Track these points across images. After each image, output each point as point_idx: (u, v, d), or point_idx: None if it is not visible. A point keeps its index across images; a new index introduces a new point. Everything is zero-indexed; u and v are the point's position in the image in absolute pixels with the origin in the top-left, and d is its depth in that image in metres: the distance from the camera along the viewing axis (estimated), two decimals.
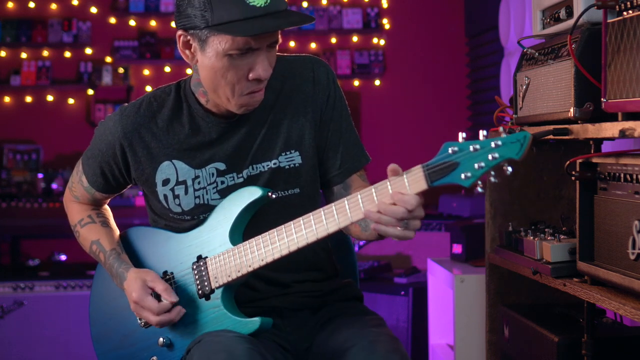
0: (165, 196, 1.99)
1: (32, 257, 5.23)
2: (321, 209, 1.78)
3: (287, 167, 1.97)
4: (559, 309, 2.55)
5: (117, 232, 2.12)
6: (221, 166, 1.97)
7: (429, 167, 1.63)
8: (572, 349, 2.22)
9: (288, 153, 1.97)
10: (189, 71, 6.73)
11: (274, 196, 1.92)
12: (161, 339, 1.96)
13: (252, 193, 1.91)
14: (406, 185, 1.66)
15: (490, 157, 1.57)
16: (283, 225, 1.83)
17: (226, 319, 1.90)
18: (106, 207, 2.20)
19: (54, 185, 5.53)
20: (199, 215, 1.98)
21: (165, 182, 1.98)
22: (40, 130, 5.94)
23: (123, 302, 2.03)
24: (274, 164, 1.96)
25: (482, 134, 1.60)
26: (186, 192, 1.97)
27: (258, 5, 1.78)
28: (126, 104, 2.04)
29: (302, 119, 1.98)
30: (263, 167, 1.96)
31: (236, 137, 1.96)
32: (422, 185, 1.64)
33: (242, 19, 1.78)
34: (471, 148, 1.59)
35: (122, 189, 2.12)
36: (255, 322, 1.88)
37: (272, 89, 1.98)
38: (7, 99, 5.94)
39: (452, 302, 3.40)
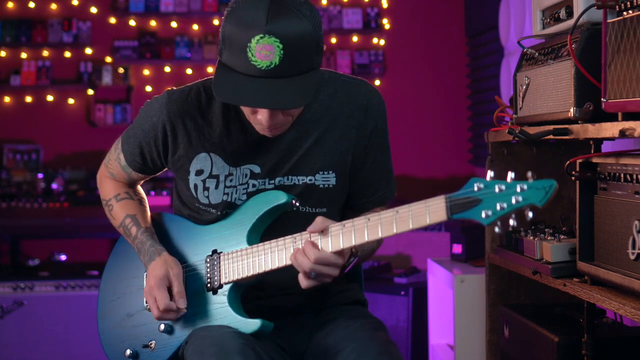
0: (196, 185, 1.99)
1: (32, 257, 5.23)
2: (341, 223, 1.79)
3: (321, 185, 1.97)
4: (559, 309, 2.54)
5: (149, 213, 2.13)
6: (256, 169, 1.97)
7: (452, 199, 1.63)
8: (572, 349, 2.22)
9: (325, 173, 1.97)
10: (189, 71, 6.70)
11: (297, 204, 1.94)
12: (162, 325, 1.98)
13: (277, 198, 1.93)
14: (426, 213, 1.67)
15: (513, 200, 1.57)
16: (300, 233, 1.84)
17: (228, 316, 1.91)
18: (140, 188, 2.20)
19: (54, 185, 5.53)
20: (223, 210, 1.99)
21: (199, 172, 1.99)
22: (40, 130, 5.94)
23: (135, 283, 2.05)
24: (310, 180, 1.97)
25: (510, 176, 1.60)
26: (217, 187, 1.98)
27: (258, 67, 1.74)
28: (174, 87, 2.03)
29: (346, 143, 1.98)
30: (298, 180, 1.96)
31: (277, 144, 1.95)
32: (442, 216, 1.65)
33: (240, 72, 1.76)
34: (496, 188, 1.59)
35: (158, 172, 2.12)
36: (255, 323, 1.89)
37: (320, 102, 1.97)
38: (7, 99, 5.94)
39: (452, 302, 3.40)
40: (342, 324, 1.94)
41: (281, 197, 1.92)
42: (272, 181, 1.96)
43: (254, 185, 1.97)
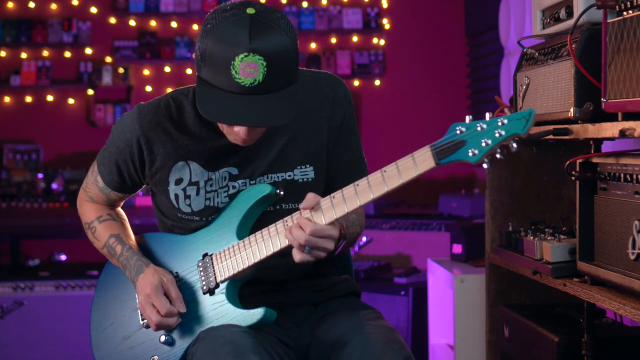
0: (177, 195, 2.00)
1: (32, 257, 5.22)
2: (330, 195, 1.81)
3: (300, 180, 1.99)
4: (559, 309, 2.55)
5: (132, 234, 2.14)
6: (234, 171, 1.98)
7: (436, 146, 1.66)
8: (572, 349, 2.22)
9: (303, 167, 2.00)
10: (188, 71, 6.67)
11: (282, 193, 1.96)
12: (163, 337, 1.98)
13: (261, 190, 1.95)
14: (414, 165, 1.69)
15: (497, 134, 1.61)
16: (291, 215, 1.86)
17: (230, 312, 1.92)
18: (121, 210, 2.21)
19: (54, 185, 5.53)
20: (207, 216, 2.00)
21: (178, 181, 2.00)
22: (40, 130, 5.93)
23: (127, 305, 2.05)
24: (289, 176, 1.99)
25: (488, 115, 1.64)
26: (197, 193, 1.99)
27: (242, 84, 1.76)
28: (143, 102, 2.04)
29: (319, 135, 2.01)
30: (278, 177, 1.98)
31: (252, 145, 1.95)
32: (430, 163, 1.67)
33: (222, 89, 1.78)
34: (478, 127, 1.63)
35: (137, 189, 2.13)
36: (259, 312, 1.89)
37: None
38: (7, 99, 5.94)
39: (452, 302, 3.40)
40: (344, 316, 1.96)
41: (265, 189, 1.94)
42: (253, 181, 1.98)
43: (234, 187, 1.99)
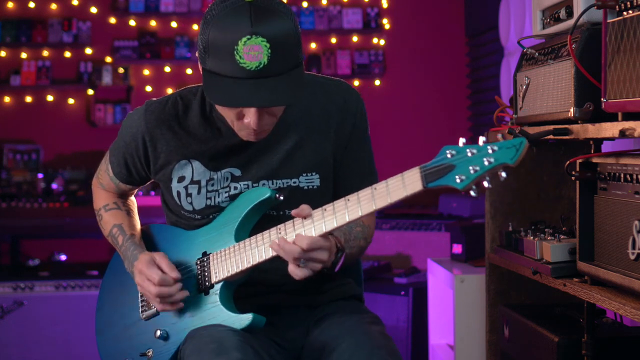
0: (179, 193, 2.01)
1: (32, 257, 5.23)
2: (321, 208, 1.80)
3: (305, 187, 1.99)
4: (559, 309, 2.55)
5: (139, 223, 2.16)
6: (236, 172, 1.99)
7: (426, 168, 1.64)
8: (572, 349, 2.22)
9: (309, 174, 1.99)
10: (189, 71, 6.67)
11: (281, 198, 1.95)
12: (158, 332, 1.99)
13: (261, 194, 1.95)
14: (402, 186, 1.68)
15: (486, 161, 1.58)
16: (284, 223, 1.85)
17: (221, 314, 1.92)
18: (132, 198, 2.23)
19: (54, 185, 5.53)
20: (209, 215, 2.01)
21: (181, 179, 2.01)
22: (40, 130, 5.94)
23: (130, 295, 2.07)
24: (294, 182, 1.98)
25: (481, 139, 1.61)
26: (199, 192, 2.00)
27: (248, 68, 1.76)
28: (154, 98, 2.06)
29: (326, 143, 2.00)
30: (282, 183, 1.98)
31: (256, 147, 1.96)
32: (418, 185, 1.65)
33: (228, 76, 1.78)
34: (468, 152, 1.60)
35: (145, 183, 2.14)
36: (247, 317, 1.90)
37: (299, 104, 1.98)
38: (7, 99, 5.94)
39: (452, 302, 3.40)
40: (338, 320, 1.95)
41: (265, 192, 1.94)
42: (255, 184, 1.98)
43: (236, 188, 1.99)
